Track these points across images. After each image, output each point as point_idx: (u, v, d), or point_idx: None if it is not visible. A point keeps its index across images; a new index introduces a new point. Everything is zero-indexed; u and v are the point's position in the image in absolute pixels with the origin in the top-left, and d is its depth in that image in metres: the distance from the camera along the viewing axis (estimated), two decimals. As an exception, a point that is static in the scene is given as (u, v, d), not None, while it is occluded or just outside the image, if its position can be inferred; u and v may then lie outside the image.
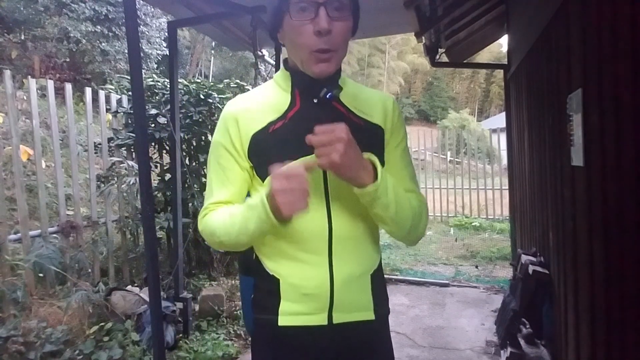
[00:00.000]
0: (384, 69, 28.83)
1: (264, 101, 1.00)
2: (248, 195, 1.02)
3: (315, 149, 0.83)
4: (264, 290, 0.99)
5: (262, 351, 1.02)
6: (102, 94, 3.80)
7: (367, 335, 1.00)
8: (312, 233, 0.93)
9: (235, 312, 3.43)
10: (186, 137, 3.99)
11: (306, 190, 0.81)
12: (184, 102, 3.90)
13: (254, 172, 0.98)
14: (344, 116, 0.98)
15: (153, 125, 3.72)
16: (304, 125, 0.89)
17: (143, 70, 3.34)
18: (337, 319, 0.95)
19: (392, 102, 1.05)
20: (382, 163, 1.00)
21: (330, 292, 0.94)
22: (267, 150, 0.94)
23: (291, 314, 0.95)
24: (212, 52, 18.68)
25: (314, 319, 0.95)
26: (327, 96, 0.94)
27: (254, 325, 1.04)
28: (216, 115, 4.18)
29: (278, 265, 0.96)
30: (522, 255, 2.90)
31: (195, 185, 3.93)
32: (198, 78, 11.79)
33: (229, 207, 0.98)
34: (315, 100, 0.96)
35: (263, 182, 0.95)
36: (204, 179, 4.21)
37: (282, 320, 0.95)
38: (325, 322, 0.95)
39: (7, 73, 2.98)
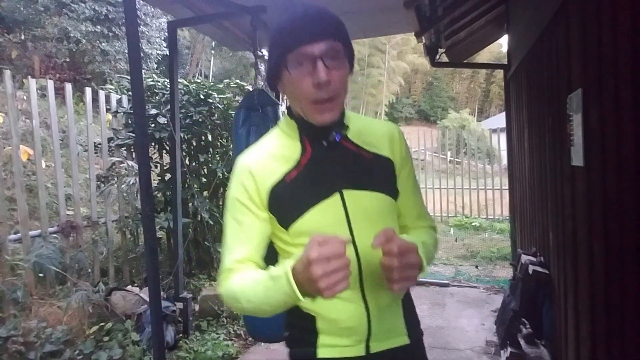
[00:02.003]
0: (384, 69, 28.75)
1: (275, 152, 1.00)
2: (271, 244, 1.03)
3: (389, 270, 0.81)
4: (299, 327, 1.01)
5: None
6: (102, 94, 3.81)
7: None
8: None
9: (235, 312, 3.43)
10: (186, 137, 3.99)
11: (348, 268, 0.77)
12: (184, 102, 3.90)
13: (276, 223, 0.98)
14: (355, 153, 1.00)
15: (153, 125, 3.72)
16: (319, 170, 0.96)
17: (143, 70, 3.34)
18: (374, 348, 0.97)
19: (398, 132, 1.07)
20: (395, 193, 1.02)
21: (368, 323, 0.95)
22: (287, 200, 0.95)
23: (330, 346, 0.97)
24: (212, 52, 18.70)
25: (352, 350, 0.97)
26: (337, 138, 0.96)
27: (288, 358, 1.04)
28: (216, 115, 4.18)
29: (312, 304, 0.94)
30: (522, 255, 2.90)
31: (195, 185, 3.93)
32: (198, 78, 11.81)
33: (251, 269, 0.96)
34: (325, 144, 0.97)
35: (287, 229, 0.96)
36: (204, 179, 4.21)
37: (321, 353, 0.97)
38: (364, 353, 0.97)
39: (7, 73, 2.98)
